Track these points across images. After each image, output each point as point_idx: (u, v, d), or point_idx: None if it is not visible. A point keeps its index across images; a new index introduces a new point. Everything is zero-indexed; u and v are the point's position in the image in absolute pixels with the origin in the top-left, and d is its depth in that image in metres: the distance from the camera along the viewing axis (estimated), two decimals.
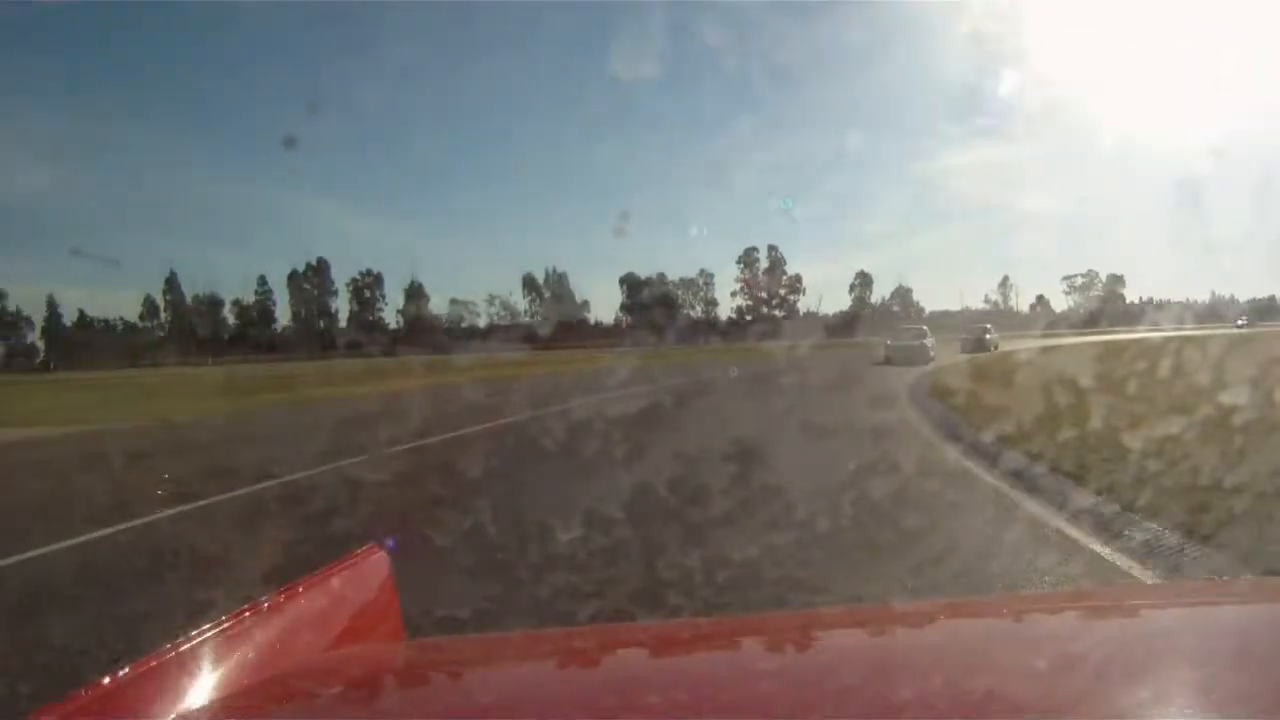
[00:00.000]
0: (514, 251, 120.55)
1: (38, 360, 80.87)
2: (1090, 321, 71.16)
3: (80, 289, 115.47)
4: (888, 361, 26.56)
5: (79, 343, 79.31)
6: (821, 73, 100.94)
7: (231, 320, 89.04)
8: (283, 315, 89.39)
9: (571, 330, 78.89)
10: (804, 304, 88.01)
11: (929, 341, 28.33)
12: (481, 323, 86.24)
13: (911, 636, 1.10)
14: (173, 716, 0.80)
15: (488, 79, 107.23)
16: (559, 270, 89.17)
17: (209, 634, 0.90)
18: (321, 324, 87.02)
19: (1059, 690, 0.80)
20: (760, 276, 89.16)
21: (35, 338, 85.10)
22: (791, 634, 1.15)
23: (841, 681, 0.88)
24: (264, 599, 1.01)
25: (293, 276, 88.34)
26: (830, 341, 60.24)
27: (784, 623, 1.34)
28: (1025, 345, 35.60)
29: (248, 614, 0.97)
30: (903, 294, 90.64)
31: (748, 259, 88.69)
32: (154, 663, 0.83)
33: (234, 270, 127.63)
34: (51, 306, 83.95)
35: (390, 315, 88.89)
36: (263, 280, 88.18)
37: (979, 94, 78.37)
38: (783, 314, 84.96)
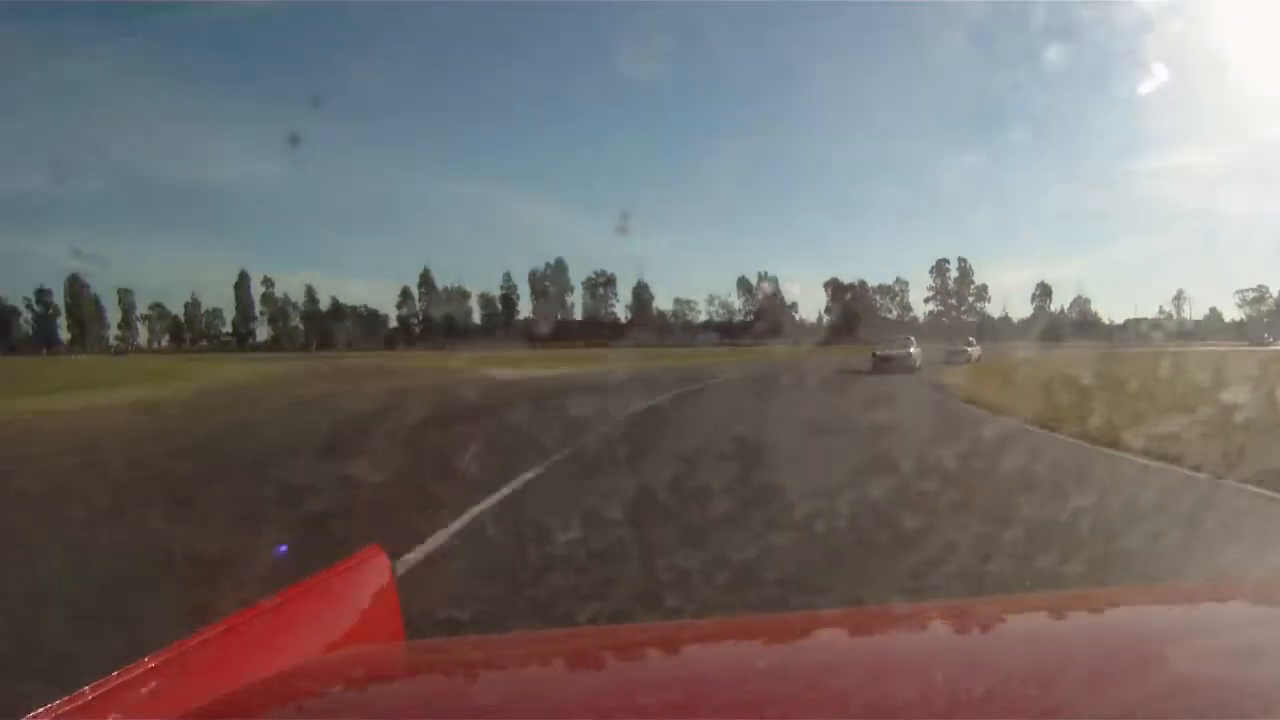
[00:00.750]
0: (733, 255, 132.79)
1: (299, 342, 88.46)
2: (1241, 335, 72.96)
3: (338, 279, 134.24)
4: (875, 369, 27.62)
5: (335, 328, 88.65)
6: (1014, 80, 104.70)
7: (478, 312, 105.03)
8: (523, 309, 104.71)
9: (779, 327, 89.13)
10: (990, 310, 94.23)
11: (914, 351, 29.52)
12: (700, 319, 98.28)
13: (911, 638, 1.11)
14: (173, 717, 0.79)
15: (705, 98, 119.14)
16: (770, 274, 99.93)
17: (210, 634, 0.91)
18: (559, 316, 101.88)
19: (1058, 691, 0.81)
20: (950, 285, 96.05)
21: (296, 322, 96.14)
22: (791, 635, 1.17)
23: (842, 683, 0.89)
24: (265, 600, 1.02)
25: (534, 274, 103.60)
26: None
27: (783, 624, 1.36)
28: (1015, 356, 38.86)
29: (248, 615, 0.98)
30: (1081, 304, 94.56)
31: (939, 269, 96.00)
32: (154, 663, 0.83)
33: (480, 268, 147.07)
34: (310, 294, 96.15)
35: (620, 311, 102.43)
36: (507, 276, 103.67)
37: (1170, 100, 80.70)
38: (971, 319, 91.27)
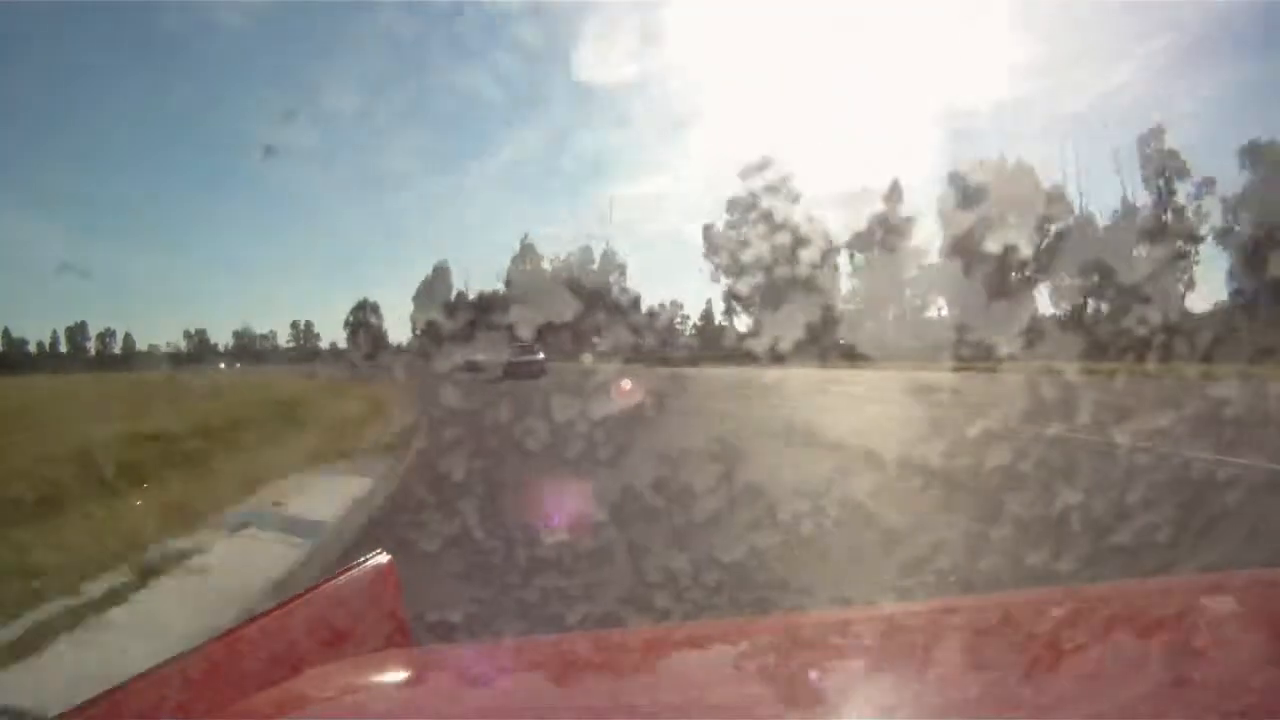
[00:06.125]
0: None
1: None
2: None
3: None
4: (504, 376, 27.74)
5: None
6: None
7: None
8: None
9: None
10: None
11: (540, 356, 31.25)
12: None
13: (906, 637, 1.11)
14: None
15: None
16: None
17: (216, 643, 0.91)
18: None
19: (1054, 689, 0.81)
20: None
21: None
22: (787, 636, 1.17)
23: (836, 683, 0.89)
24: (271, 607, 1.02)
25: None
26: None
27: (779, 625, 1.36)
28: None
29: (255, 623, 0.98)
30: None
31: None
32: (161, 672, 0.83)
33: None
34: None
35: None
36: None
37: None
38: None
